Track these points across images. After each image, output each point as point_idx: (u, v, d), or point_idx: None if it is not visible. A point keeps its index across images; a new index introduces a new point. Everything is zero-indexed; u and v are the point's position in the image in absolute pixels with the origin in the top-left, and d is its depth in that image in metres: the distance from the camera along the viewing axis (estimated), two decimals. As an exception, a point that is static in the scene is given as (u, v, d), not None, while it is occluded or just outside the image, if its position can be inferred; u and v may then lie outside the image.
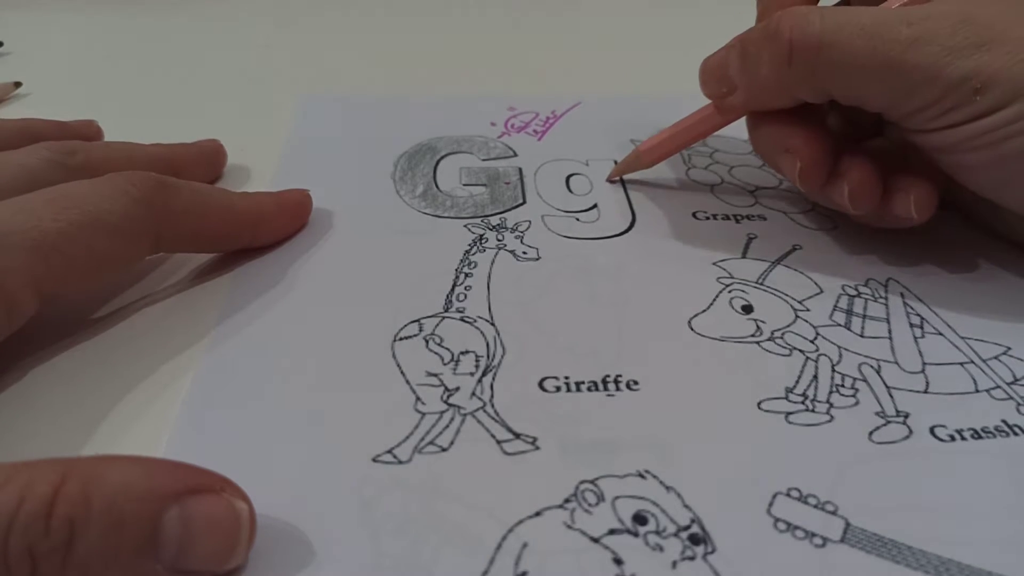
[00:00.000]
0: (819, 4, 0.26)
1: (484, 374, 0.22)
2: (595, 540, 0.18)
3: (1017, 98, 0.22)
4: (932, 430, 0.21)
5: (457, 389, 0.22)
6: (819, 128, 0.26)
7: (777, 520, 0.18)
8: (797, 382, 0.22)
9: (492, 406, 0.21)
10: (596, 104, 0.38)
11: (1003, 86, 0.22)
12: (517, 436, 0.20)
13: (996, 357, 0.23)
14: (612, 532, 0.18)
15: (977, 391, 0.22)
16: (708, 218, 0.30)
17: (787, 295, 0.26)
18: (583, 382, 0.22)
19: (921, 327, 0.25)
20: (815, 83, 0.24)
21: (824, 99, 0.25)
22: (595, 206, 0.30)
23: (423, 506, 0.19)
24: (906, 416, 0.21)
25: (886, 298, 0.26)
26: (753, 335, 0.24)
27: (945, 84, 0.22)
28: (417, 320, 0.24)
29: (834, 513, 0.19)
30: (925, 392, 0.22)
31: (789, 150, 0.26)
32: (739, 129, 0.36)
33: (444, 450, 0.20)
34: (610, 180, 0.32)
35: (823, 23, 0.23)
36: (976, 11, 0.22)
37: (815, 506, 0.19)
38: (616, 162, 0.33)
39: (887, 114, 0.24)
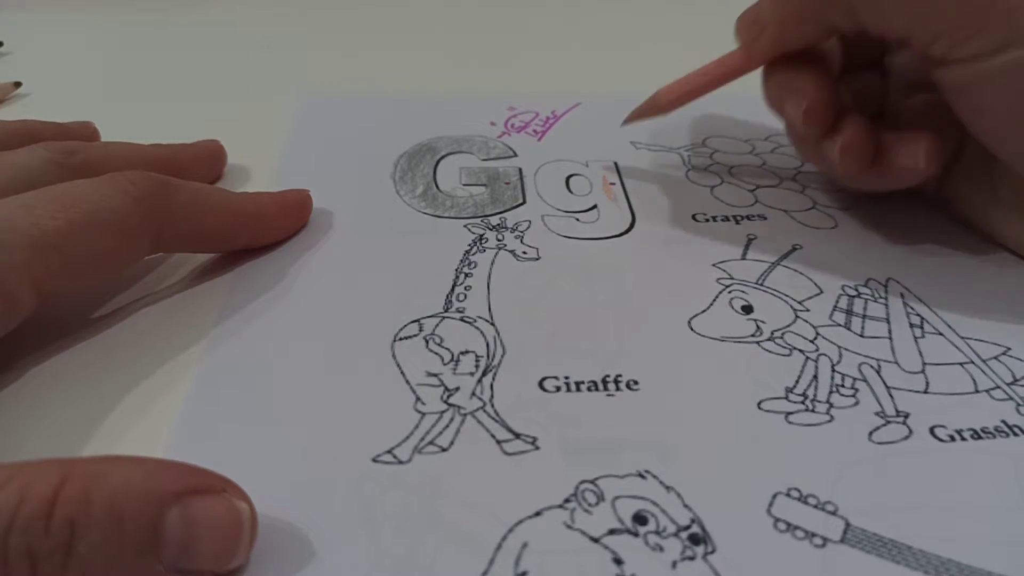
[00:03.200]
0: None
1: (484, 374, 0.22)
2: (595, 540, 0.18)
3: None
4: (932, 430, 0.21)
5: (457, 389, 0.22)
6: (827, 76, 0.27)
7: (777, 520, 0.18)
8: (797, 382, 0.22)
9: (492, 406, 0.21)
10: (596, 104, 0.38)
11: None
12: (517, 436, 0.20)
13: (996, 357, 0.23)
14: (612, 532, 0.18)
15: (977, 391, 0.22)
16: (708, 220, 0.30)
17: (787, 295, 0.26)
18: (583, 382, 0.22)
19: (921, 327, 0.25)
20: (843, 4, 0.24)
21: (854, 26, 0.25)
22: (595, 206, 0.30)
23: (423, 506, 0.19)
24: (906, 416, 0.21)
25: (886, 298, 0.26)
26: (753, 335, 0.24)
27: (975, 3, 0.22)
28: (417, 320, 0.24)
29: (834, 513, 0.19)
30: (925, 392, 0.22)
31: (798, 91, 0.26)
32: (739, 128, 0.36)
33: (444, 450, 0.20)
34: (626, 123, 0.32)
35: None
36: None
37: (815, 506, 0.19)
38: (616, 163, 0.33)
39: (914, 40, 0.24)
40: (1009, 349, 0.24)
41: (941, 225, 0.29)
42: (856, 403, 0.22)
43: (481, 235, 0.28)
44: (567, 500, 0.19)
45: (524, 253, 0.27)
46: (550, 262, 0.27)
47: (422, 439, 0.20)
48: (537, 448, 0.20)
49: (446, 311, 0.25)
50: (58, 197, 0.22)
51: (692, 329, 0.24)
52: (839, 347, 0.24)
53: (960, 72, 0.23)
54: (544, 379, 0.22)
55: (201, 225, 0.25)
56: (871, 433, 0.21)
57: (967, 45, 0.23)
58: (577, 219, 0.30)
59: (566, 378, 0.22)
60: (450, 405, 0.21)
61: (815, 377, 0.23)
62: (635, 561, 0.17)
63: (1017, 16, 0.22)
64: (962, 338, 0.24)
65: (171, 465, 0.17)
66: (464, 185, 0.32)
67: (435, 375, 0.22)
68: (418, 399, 0.21)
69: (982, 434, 0.21)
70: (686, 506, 0.19)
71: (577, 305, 0.25)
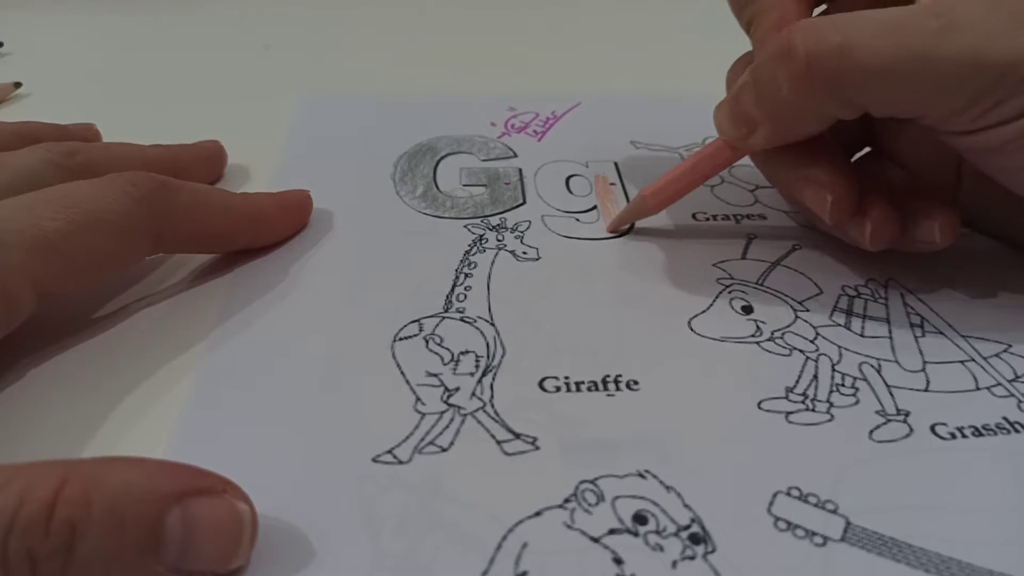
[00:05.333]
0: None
1: (484, 374, 0.22)
2: (595, 540, 0.18)
3: None
4: (933, 428, 0.21)
5: (457, 389, 0.22)
6: (840, 155, 0.25)
7: (777, 519, 0.18)
8: (797, 382, 0.22)
9: (492, 406, 0.21)
10: (596, 104, 0.38)
11: None
12: (517, 436, 0.20)
13: (997, 355, 0.23)
14: (612, 532, 0.18)
15: (978, 389, 0.22)
16: (708, 219, 0.30)
17: (787, 295, 0.26)
18: (583, 382, 0.22)
19: (921, 326, 0.25)
20: (842, 95, 0.22)
21: (856, 113, 0.22)
22: (595, 207, 0.30)
23: (423, 506, 0.19)
24: (907, 415, 0.21)
25: (886, 298, 0.26)
26: (753, 335, 0.24)
27: (988, 74, 0.20)
28: (417, 320, 0.24)
29: (834, 512, 0.19)
30: (926, 390, 0.22)
31: (812, 180, 0.24)
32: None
33: (444, 450, 0.20)
34: (612, 231, 0.29)
35: (837, 27, 0.21)
36: None
37: (815, 505, 0.19)
38: (617, 164, 0.33)
39: (925, 118, 0.22)
40: (1010, 346, 0.24)
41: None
42: (856, 402, 0.22)
43: (481, 235, 0.28)
44: (567, 500, 0.19)
45: (524, 253, 0.27)
46: (550, 262, 0.27)
47: (422, 439, 0.20)
48: (537, 448, 0.20)
49: (446, 311, 0.25)
50: (58, 198, 0.22)
51: (692, 329, 0.24)
52: (839, 347, 0.24)
53: (981, 138, 0.22)
54: (544, 379, 0.22)
55: (201, 226, 0.25)
56: (872, 432, 0.21)
57: (986, 117, 0.21)
58: (577, 219, 0.30)
59: (566, 378, 0.22)
60: (450, 405, 0.21)
61: (815, 377, 0.22)
62: (635, 561, 0.17)
63: None
64: (963, 336, 0.24)
65: (172, 466, 0.17)
66: (464, 185, 0.32)
67: (435, 375, 0.22)
68: (418, 399, 0.21)
69: (983, 431, 0.21)
70: (686, 506, 0.19)
71: (577, 305, 0.25)
